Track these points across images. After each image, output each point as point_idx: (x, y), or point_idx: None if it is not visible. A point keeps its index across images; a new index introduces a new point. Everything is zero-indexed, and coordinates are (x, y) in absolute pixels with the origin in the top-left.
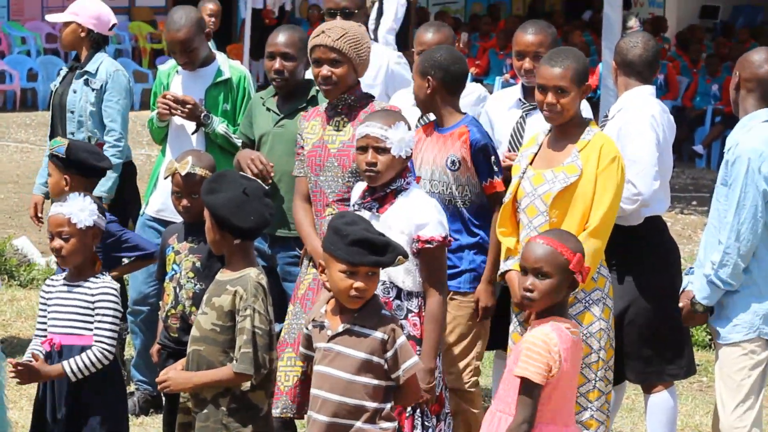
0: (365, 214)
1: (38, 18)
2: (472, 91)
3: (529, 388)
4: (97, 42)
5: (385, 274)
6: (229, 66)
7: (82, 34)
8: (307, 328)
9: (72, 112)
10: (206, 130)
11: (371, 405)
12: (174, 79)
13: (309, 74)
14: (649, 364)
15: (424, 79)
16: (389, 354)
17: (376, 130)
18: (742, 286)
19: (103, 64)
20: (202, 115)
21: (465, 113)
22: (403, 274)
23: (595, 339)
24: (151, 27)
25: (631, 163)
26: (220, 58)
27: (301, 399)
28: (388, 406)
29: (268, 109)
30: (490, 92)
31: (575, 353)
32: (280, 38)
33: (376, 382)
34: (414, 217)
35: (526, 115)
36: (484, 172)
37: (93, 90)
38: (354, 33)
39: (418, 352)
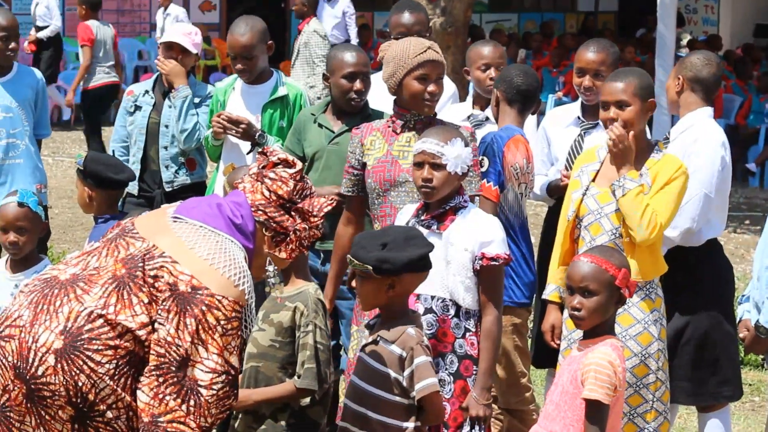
0: (423, 231)
1: None
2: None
3: (599, 411)
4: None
5: (447, 291)
6: (286, 83)
7: (192, 64)
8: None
9: (167, 126)
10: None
11: (389, 421)
12: (231, 96)
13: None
14: (702, 385)
15: (496, 91)
16: (407, 372)
17: (432, 147)
18: None
19: (201, 86)
20: (257, 134)
21: (514, 126)
22: (464, 292)
23: (653, 360)
24: (206, 43)
25: (696, 189)
26: (278, 75)
27: None
28: (411, 425)
29: (321, 126)
30: (543, 111)
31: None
32: (358, 59)
33: (389, 396)
34: (479, 235)
35: (584, 133)
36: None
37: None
38: None
39: (475, 371)
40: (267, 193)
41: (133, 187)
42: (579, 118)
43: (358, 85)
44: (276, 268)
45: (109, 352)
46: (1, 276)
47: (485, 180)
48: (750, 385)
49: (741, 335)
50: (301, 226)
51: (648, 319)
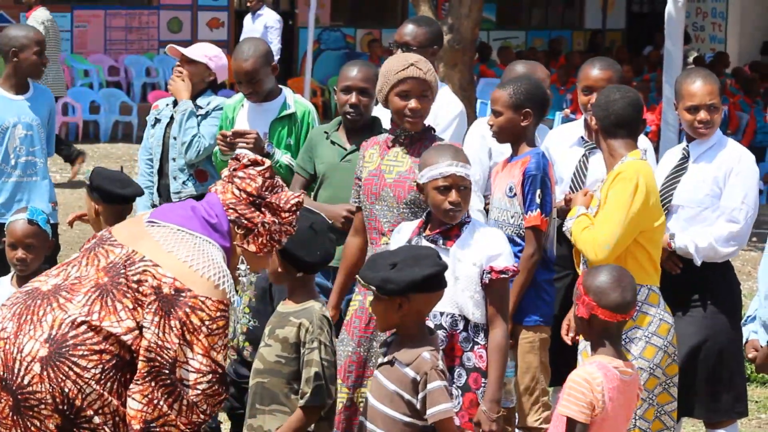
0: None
1: (101, 51)
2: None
3: (573, 428)
4: (210, 88)
5: (456, 306)
6: (295, 101)
7: (208, 79)
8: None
9: (175, 138)
10: (270, 161)
11: None
12: (239, 113)
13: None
14: (717, 400)
15: (520, 111)
16: (420, 396)
17: (461, 170)
18: None
19: (214, 99)
20: (266, 145)
21: (536, 145)
22: (473, 307)
23: None
24: None
25: (748, 208)
26: (286, 92)
27: (346, 425)
28: None
29: (333, 143)
30: (550, 127)
31: (624, 393)
32: (357, 73)
33: (404, 418)
34: (487, 249)
35: (589, 153)
36: (528, 202)
37: (197, 117)
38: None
39: (483, 384)
40: (237, 192)
41: (153, 199)
42: (582, 138)
43: (352, 99)
44: (248, 267)
45: (95, 357)
46: (7, 292)
47: (539, 211)
48: (756, 402)
49: (750, 356)
50: (271, 220)
51: (626, 337)
